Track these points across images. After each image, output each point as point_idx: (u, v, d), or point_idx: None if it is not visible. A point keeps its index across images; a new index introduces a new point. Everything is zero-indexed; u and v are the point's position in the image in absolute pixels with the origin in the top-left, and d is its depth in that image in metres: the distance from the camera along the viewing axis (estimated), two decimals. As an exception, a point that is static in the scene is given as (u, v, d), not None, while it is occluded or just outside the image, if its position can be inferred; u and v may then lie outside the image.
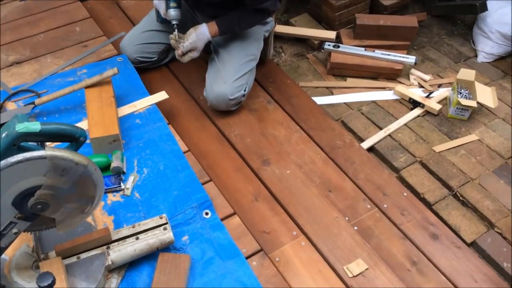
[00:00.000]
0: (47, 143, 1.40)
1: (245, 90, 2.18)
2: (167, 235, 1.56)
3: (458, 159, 2.37)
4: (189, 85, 2.38)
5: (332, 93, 2.75)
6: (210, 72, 2.21)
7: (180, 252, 1.62)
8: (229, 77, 2.13)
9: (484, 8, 2.85)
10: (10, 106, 2.09)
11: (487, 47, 2.90)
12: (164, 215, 1.61)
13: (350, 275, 1.68)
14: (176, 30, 2.08)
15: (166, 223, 1.58)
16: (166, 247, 1.60)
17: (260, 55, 2.31)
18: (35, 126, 1.22)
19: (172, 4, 2.06)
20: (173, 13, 2.07)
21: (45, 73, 2.24)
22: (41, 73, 2.25)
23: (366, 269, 1.70)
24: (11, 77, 2.23)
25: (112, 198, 1.77)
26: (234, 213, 1.79)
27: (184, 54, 2.10)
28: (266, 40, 2.39)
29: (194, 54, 2.12)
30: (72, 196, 1.30)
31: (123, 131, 1.98)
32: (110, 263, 1.50)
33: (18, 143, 1.21)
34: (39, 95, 2.12)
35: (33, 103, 2.01)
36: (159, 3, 2.14)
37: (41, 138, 1.26)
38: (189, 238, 1.66)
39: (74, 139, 1.30)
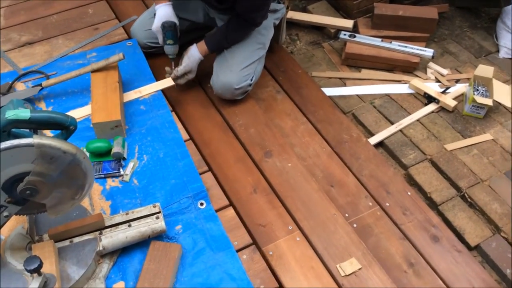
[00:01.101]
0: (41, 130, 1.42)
1: (251, 80, 2.15)
2: (159, 224, 1.56)
3: (469, 159, 2.31)
4: (197, 72, 2.36)
5: (345, 84, 2.69)
6: (217, 60, 2.19)
7: (173, 241, 1.63)
8: (236, 65, 2.11)
9: (508, 1, 2.74)
10: (20, 86, 2.12)
11: (510, 43, 2.78)
12: (157, 204, 1.61)
13: (343, 274, 1.65)
14: (172, 63, 2.15)
15: (159, 212, 1.59)
16: (159, 236, 1.60)
17: (270, 43, 2.28)
18: (24, 113, 1.23)
19: (169, 41, 2.11)
20: (169, 49, 2.14)
21: (56, 55, 2.26)
22: (51, 54, 2.27)
23: (360, 268, 1.67)
24: (23, 57, 2.26)
25: (111, 183, 1.79)
26: (229, 205, 1.77)
27: (178, 77, 2.15)
28: (278, 27, 2.34)
29: (190, 76, 2.18)
30: (61, 183, 1.31)
31: (127, 117, 1.99)
32: (101, 248, 1.52)
33: (8, 130, 1.23)
34: (48, 77, 2.14)
35: (40, 85, 2.03)
36: (158, 32, 2.14)
37: (31, 126, 1.27)
38: (182, 228, 1.66)
39: (64, 128, 1.30)
